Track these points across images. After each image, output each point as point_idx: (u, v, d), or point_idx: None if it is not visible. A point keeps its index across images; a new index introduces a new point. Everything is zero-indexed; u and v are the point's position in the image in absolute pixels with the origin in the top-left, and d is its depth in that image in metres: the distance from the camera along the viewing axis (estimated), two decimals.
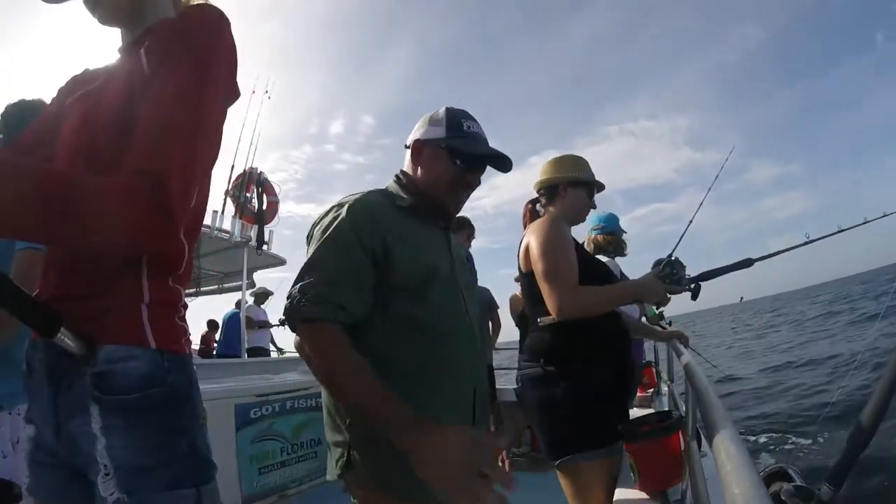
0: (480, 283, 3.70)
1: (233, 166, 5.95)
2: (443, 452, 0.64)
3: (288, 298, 0.87)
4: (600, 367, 1.48)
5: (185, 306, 0.78)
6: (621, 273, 2.84)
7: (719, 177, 2.13)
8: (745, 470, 0.46)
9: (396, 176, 1.12)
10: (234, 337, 6.13)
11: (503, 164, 1.09)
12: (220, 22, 0.72)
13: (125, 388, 0.65)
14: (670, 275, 1.54)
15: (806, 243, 1.68)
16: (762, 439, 5.99)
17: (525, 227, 1.72)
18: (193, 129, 0.66)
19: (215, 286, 7.06)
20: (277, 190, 5.94)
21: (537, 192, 1.74)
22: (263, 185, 5.61)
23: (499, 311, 3.69)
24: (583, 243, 2.38)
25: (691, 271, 1.58)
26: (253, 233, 5.42)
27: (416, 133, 1.10)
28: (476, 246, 3.20)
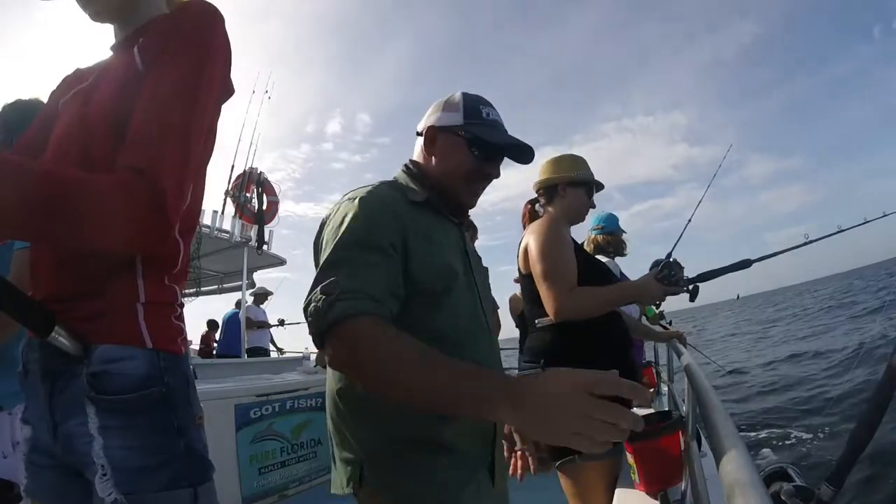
0: None
1: (233, 166, 5.96)
2: (554, 408, 0.53)
3: (308, 306, 0.73)
4: (601, 368, 1.47)
5: (182, 306, 0.78)
6: (621, 273, 2.84)
7: (716, 173, 2.14)
8: (746, 470, 0.46)
9: (406, 166, 1.01)
10: (234, 337, 6.14)
11: (525, 154, 0.99)
12: (213, 18, 0.71)
13: (121, 389, 0.65)
14: (668, 276, 1.54)
15: (805, 244, 1.68)
16: (763, 434, 6.00)
17: (524, 227, 1.72)
18: (187, 128, 0.66)
19: (215, 286, 7.06)
20: (277, 190, 5.94)
21: (536, 192, 1.74)
22: (263, 185, 5.62)
23: (498, 311, 3.68)
24: (582, 243, 2.38)
25: (688, 267, 1.58)
26: (253, 233, 5.43)
27: (429, 119, 0.99)
28: (476, 244, 3.20)
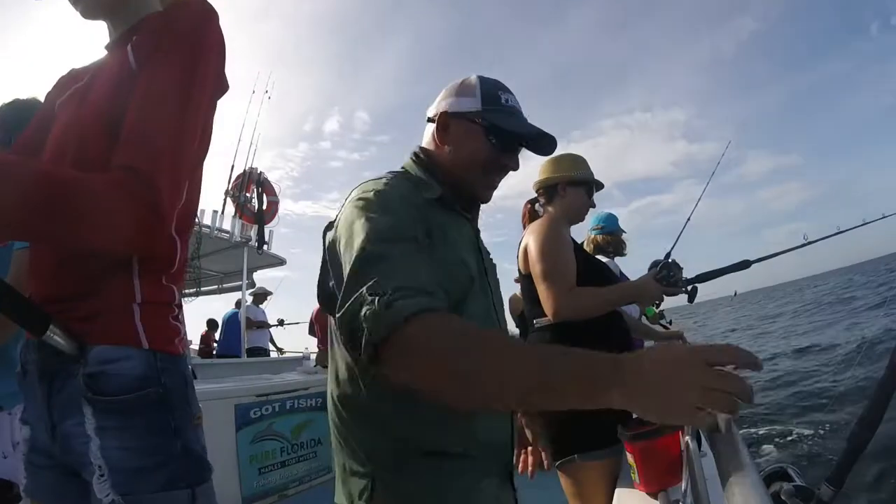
0: None
1: (233, 166, 5.96)
2: (670, 382, 0.47)
3: (355, 313, 0.60)
4: None
5: (180, 306, 0.77)
6: (620, 273, 2.84)
7: (715, 171, 2.15)
8: (746, 470, 0.46)
9: (415, 154, 0.92)
10: (233, 337, 6.14)
11: (546, 145, 0.92)
12: (207, 14, 0.71)
13: (118, 389, 0.65)
14: (667, 277, 1.54)
15: (804, 245, 1.69)
16: (763, 431, 5.98)
17: (524, 227, 1.71)
18: (181, 125, 0.66)
19: (215, 286, 7.06)
20: (277, 190, 5.94)
21: (536, 191, 1.74)
22: (263, 185, 5.62)
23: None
24: (582, 243, 2.38)
25: (685, 263, 1.59)
26: (253, 233, 5.43)
27: (441, 104, 0.90)
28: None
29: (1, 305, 0.60)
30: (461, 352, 0.57)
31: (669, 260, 1.59)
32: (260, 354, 6.36)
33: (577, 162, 1.68)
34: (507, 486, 0.85)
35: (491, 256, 1.00)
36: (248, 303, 6.22)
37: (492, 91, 0.89)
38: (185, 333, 0.77)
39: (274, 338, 7.12)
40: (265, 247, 5.51)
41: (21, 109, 1.38)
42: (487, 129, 0.86)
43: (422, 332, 0.58)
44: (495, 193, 0.95)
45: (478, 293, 0.84)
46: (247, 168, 5.81)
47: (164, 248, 0.72)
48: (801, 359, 9.59)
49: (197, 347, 7.59)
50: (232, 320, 6.45)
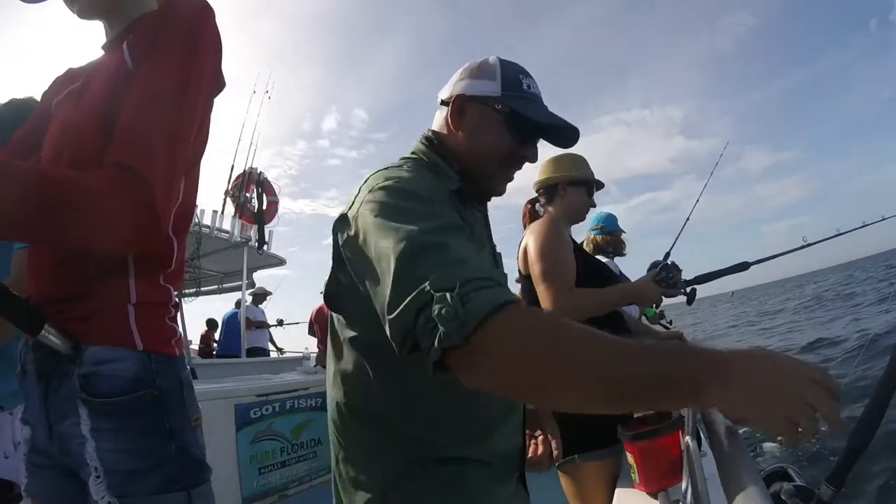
0: None
1: (233, 166, 5.96)
2: (777, 389, 0.45)
3: (408, 316, 0.53)
4: None
5: (177, 306, 0.77)
6: (620, 272, 2.84)
7: (713, 172, 2.15)
8: (746, 470, 0.46)
9: (427, 139, 0.84)
10: (233, 337, 6.14)
11: (570, 137, 0.85)
12: (203, 12, 0.71)
13: (111, 391, 0.65)
14: (666, 278, 1.54)
15: (803, 247, 1.69)
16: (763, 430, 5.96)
17: (525, 227, 1.71)
18: (176, 123, 0.65)
19: (215, 286, 7.06)
20: (277, 189, 5.94)
21: (536, 191, 1.74)
22: (263, 185, 5.62)
23: None
24: (582, 243, 2.38)
25: (683, 259, 1.59)
26: (253, 233, 5.43)
27: (458, 85, 0.82)
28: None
29: None
30: (566, 349, 0.50)
31: (668, 261, 1.59)
32: (260, 354, 6.36)
33: (578, 161, 1.68)
34: (520, 490, 0.82)
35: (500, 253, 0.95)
36: (248, 303, 6.23)
37: (513, 75, 0.81)
38: (181, 335, 0.76)
39: (274, 338, 7.13)
40: (265, 247, 5.51)
41: (18, 109, 1.38)
42: (507, 117, 0.79)
43: (509, 328, 0.51)
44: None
45: None
46: (247, 168, 5.81)
47: (161, 248, 0.71)
48: (802, 355, 9.57)
49: (197, 347, 7.59)
50: (232, 320, 6.45)
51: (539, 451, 1.17)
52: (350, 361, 0.75)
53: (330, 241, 0.73)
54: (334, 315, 0.77)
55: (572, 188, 1.64)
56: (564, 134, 0.84)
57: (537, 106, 0.82)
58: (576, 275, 1.48)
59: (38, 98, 0.86)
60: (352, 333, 0.74)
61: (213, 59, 0.71)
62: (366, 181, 0.70)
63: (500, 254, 0.93)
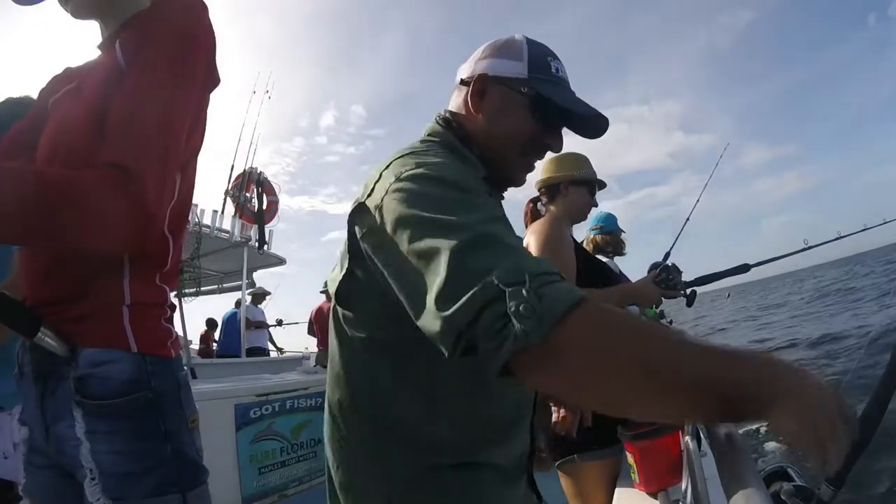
0: None
1: (233, 166, 5.96)
2: (817, 409, 0.42)
3: (472, 314, 0.47)
4: None
5: (173, 307, 0.76)
6: (620, 272, 2.84)
7: (713, 173, 2.15)
8: (746, 470, 0.46)
9: (445, 119, 0.78)
10: (233, 337, 6.14)
11: (598, 127, 0.79)
12: (195, 8, 0.70)
13: (106, 393, 0.64)
14: (666, 280, 1.54)
15: (804, 249, 1.69)
16: (763, 430, 5.97)
17: (526, 226, 1.71)
18: (168, 121, 0.65)
19: (215, 286, 7.06)
20: (277, 189, 5.95)
21: (538, 190, 1.74)
22: (263, 184, 5.62)
23: None
24: (582, 242, 2.38)
25: (682, 257, 1.59)
26: (253, 232, 5.43)
27: (479, 64, 0.76)
28: None
29: None
30: (646, 346, 0.46)
31: (669, 262, 1.59)
32: (260, 354, 6.36)
33: (580, 161, 1.68)
34: (531, 493, 0.80)
35: None
36: (247, 303, 6.23)
37: (541, 56, 0.75)
38: (178, 335, 0.76)
39: (273, 337, 7.13)
40: (265, 247, 5.51)
41: (13, 108, 1.38)
42: (533, 101, 0.73)
43: (591, 326, 0.46)
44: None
45: None
46: (247, 168, 5.82)
47: (156, 247, 0.71)
48: (803, 352, 9.52)
49: (197, 347, 7.59)
50: (231, 320, 6.45)
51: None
52: (359, 361, 0.69)
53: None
54: (342, 312, 0.70)
55: (574, 188, 1.64)
56: (593, 123, 0.78)
57: (565, 91, 0.76)
58: (576, 274, 1.48)
59: (35, 97, 0.86)
60: (365, 331, 0.67)
61: (206, 54, 0.70)
62: (387, 166, 0.63)
63: None
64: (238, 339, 5.87)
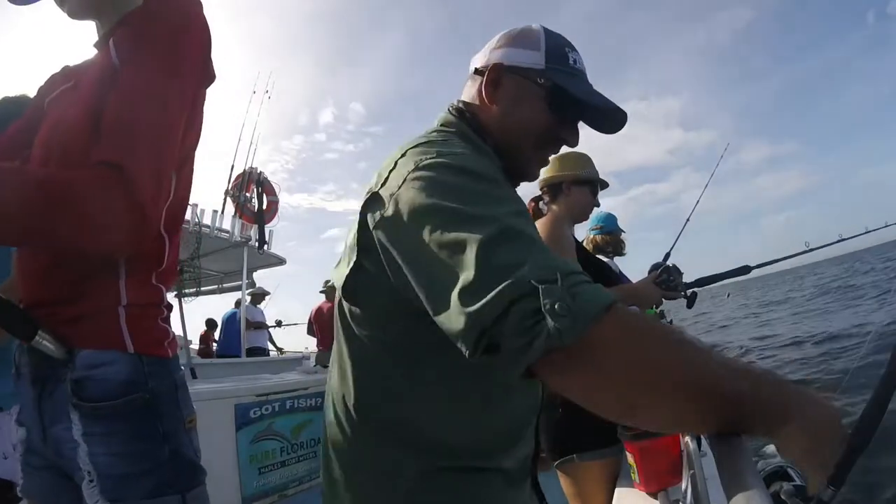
0: None
1: (233, 166, 5.97)
2: (829, 436, 0.44)
3: (498, 312, 0.45)
4: None
5: (170, 307, 0.76)
6: (619, 272, 2.84)
7: (714, 173, 2.15)
8: (746, 470, 0.46)
9: (458, 110, 0.75)
10: (233, 336, 6.14)
11: (615, 122, 0.76)
12: (189, 4, 0.70)
13: (103, 395, 0.64)
14: (666, 281, 1.54)
15: (806, 252, 1.69)
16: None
17: None
18: (162, 119, 0.64)
19: (215, 286, 7.06)
20: (277, 189, 5.95)
21: (540, 189, 1.74)
22: (263, 184, 5.62)
23: None
24: (582, 242, 2.38)
25: (681, 255, 1.59)
26: (253, 232, 5.43)
27: (495, 53, 0.74)
28: None
29: None
30: (680, 353, 0.45)
31: (669, 263, 1.59)
32: (259, 354, 6.37)
33: (583, 160, 1.68)
34: (534, 495, 0.79)
35: None
36: (247, 303, 6.23)
37: (559, 47, 0.73)
38: (175, 335, 0.75)
39: (273, 337, 7.13)
40: (265, 246, 5.51)
41: (10, 107, 1.37)
42: (550, 92, 0.70)
43: (624, 329, 0.45)
44: None
45: None
46: (247, 168, 5.82)
47: (152, 247, 0.70)
48: (804, 348, 9.46)
49: (197, 347, 7.60)
50: (231, 320, 6.45)
51: None
52: (366, 360, 0.66)
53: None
54: (348, 308, 0.67)
55: (577, 187, 1.64)
56: (611, 117, 0.75)
57: (583, 83, 0.74)
58: None
59: (32, 96, 0.85)
60: (373, 328, 0.64)
61: (200, 50, 0.70)
62: (403, 154, 0.60)
63: None
64: (238, 339, 5.88)
